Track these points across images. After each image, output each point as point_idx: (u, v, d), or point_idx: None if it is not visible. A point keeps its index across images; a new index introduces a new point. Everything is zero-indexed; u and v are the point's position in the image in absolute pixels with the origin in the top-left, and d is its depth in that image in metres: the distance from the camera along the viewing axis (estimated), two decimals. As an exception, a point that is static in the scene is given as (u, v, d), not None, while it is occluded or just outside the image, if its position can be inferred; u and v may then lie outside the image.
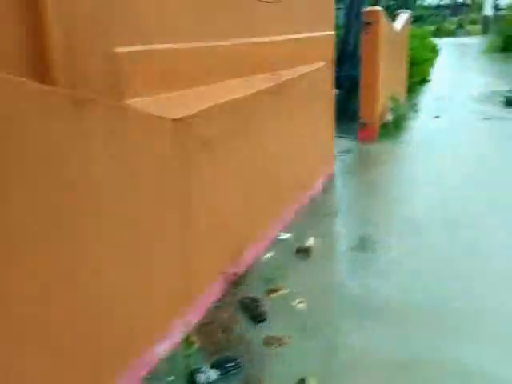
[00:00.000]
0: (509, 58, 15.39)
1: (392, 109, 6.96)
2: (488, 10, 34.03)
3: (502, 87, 9.38)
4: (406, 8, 34.66)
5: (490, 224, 3.51)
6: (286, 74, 3.63)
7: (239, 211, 2.92)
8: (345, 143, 6.25)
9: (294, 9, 3.84)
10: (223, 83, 2.81)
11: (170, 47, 2.31)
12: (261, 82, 3.23)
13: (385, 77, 6.58)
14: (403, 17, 8.54)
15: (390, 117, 6.96)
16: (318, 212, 3.96)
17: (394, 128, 6.74)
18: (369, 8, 6.25)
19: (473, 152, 5.66)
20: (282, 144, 3.64)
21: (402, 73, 8.71)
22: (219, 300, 2.60)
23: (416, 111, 8.15)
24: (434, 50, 17.51)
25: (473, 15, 39.66)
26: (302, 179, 4.13)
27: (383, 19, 6.28)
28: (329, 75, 4.75)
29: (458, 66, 15.18)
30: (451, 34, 30.86)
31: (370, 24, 6.09)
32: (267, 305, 2.61)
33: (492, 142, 6.05)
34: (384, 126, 6.73)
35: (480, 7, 38.52)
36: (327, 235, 3.55)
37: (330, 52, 4.75)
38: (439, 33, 30.73)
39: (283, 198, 3.70)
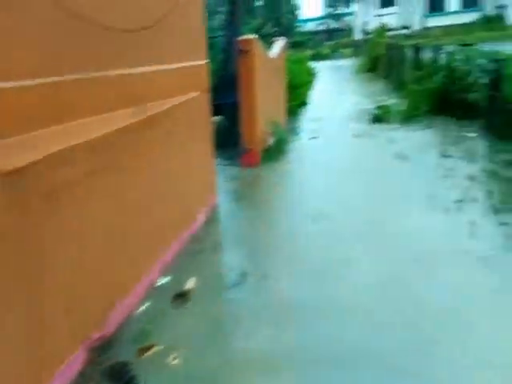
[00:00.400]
0: (375, 77, 17.17)
1: (273, 133, 7.16)
2: (358, 35, 38.03)
3: (370, 105, 10.31)
4: (288, 35, 36.75)
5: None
6: (155, 107, 3.44)
7: (106, 263, 2.61)
8: (229, 170, 6.25)
9: (164, 39, 3.68)
10: (80, 121, 2.53)
11: (14, 86, 1.99)
12: (124, 117, 2.99)
13: (263, 102, 6.76)
14: (279, 44, 8.94)
15: (271, 141, 7.17)
16: (200, 248, 3.79)
17: (275, 151, 6.92)
18: (244, 36, 6.38)
19: (344, 166, 6.09)
20: (157, 179, 3.42)
21: (282, 97, 9.09)
22: (81, 374, 2.26)
23: (296, 133, 8.53)
24: (312, 74, 18.86)
25: (346, 39, 43.97)
26: (181, 214, 3.94)
27: (258, 47, 6.46)
28: (204, 104, 4.68)
29: (333, 87, 16.47)
30: (328, 57, 33.69)
31: (245, 52, 6.21)
32: (139, 367, 2.34)
33: (361, 155, 6.57)
34: (266, 150, 6.88)
35: (352, 32, 42.98)
36: (209, 274, 3.39)
37: (204, 81, 4.68)
38: (317, 56, 33.36)
39: (161, 237, 3.46)
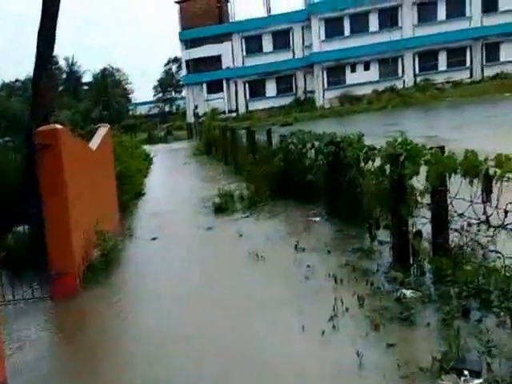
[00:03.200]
0: (212, 160, 17.09)
1: (99, 243, 5.67)
2: (190, 118, 39.46)
3: (211, 191, 9.63)
4: (120, 118, 36.08)
5: None
6: None
7: None
8: (31, 311, 4.48)
9: None
10: None
11: None
12: None
13: (80, 207, 5.31)
14: (102, 131, 7.72)
15: (97, 253, 5.65)
16: None
17: (103, 267, 5.41)
18: (44, 127, 4.97)
19: (190, 277, 4.93)
20: None
21: (110, 193, 7.72)
22: None
23: (131, 235, 7.15)
24: (147, 159, 17.95)
25: (179, 122, 45.18)
26: None
27: (66, 138, 5.11)
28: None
29: (171, 172, 15.78)
30: (162, 140, 33.58)
31: (47, 147, 4.79)
32: None
33: (210, 258, 5.55)
34: (91, 267, 5.33)
35: (184, 115, 44.50)
36: None
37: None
38: (151, 140, 32.99)
39: None
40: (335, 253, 5.03)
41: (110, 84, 51.44)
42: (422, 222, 4.30)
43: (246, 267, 5.01)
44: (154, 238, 6.88)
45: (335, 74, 38.33)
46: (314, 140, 7.14)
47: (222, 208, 7.96)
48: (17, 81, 55.25)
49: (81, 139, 6.03)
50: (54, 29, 7.02)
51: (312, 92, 38.88)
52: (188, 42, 41.01)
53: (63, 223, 4.88)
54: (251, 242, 5.87)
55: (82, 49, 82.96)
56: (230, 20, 43.26)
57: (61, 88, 55.44)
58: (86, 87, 57.80)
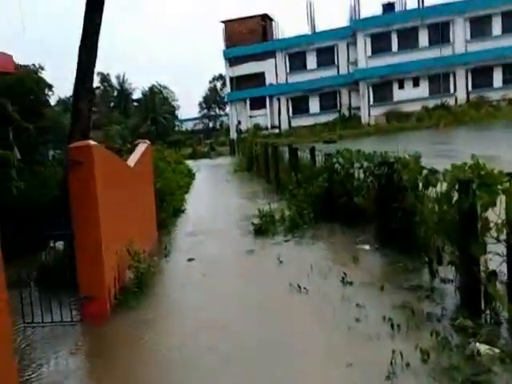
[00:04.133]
0: (253, 177, 16.73)
1: (133, 265, 5.35)
2: (233, 134, 39.67)
3: (251, 210, 9.22)
4: (166, 133, 36.82)
5: None
6: None
7: None
8: (59, 335, 4.19)
9: None
10: None
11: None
12: None
13: (113, 227, 5.03)
14: (141, 147, 7.53)
15: (131, 275, 5.34)
16: None
17: (136, 291, 5.08)
18: (77, 143, 4.76)
19: (231, 308, 4.44)
20: None
21: (148, 211, 7.47)
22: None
23: (167, 255, 6.83)
24: (189, 175, 17.90)
25: (222, 138, 45.61)
26: None
27: (100, 155, 4.87)
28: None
29: (212, 189, 15.55)
30: (205, 155, 33.84)
31: (80, 164, 4.56)
32: None
33: (249, 287, 5.05)
34: (123, 290, 5.02)
35: (228, 131, 44.87)
36: None
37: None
38: (195, 155, 33.36)
39: None
40: (389, 290, 4.40)
41: (157, 101, 52.92)
42: (495, 260, 3.62)
43: (287, 304, 4.47)
44: (190, 259, 6.52)
45: (382, 91, 37.31)
46: (363, 160, 6.56)
47: (262, 230, 7.50)
48: (72, 96, 58.00)
49: (117, 156, 5.81)
50: (96, 42, 6.94)
51: (357, 109, 38.01)
52: (232, 60, 41.55)
53: (93, 243, 4.60)
54: (292, 270, 5.35)
55: (133, 67, 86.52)
56: (275, 37, 43.49)
57: (112, 104, 57.78)
58: (135, 104, 59.80)
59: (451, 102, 35.54)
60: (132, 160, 6.65)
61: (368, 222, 6.62)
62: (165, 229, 8.68)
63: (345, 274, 4.78)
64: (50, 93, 16.39)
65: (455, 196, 3.85)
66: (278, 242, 6.83)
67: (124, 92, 60.49)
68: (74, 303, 4.78)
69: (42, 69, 15.39)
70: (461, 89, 36.01)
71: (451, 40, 36.14)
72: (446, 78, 36.14)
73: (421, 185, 4.61)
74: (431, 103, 35.45)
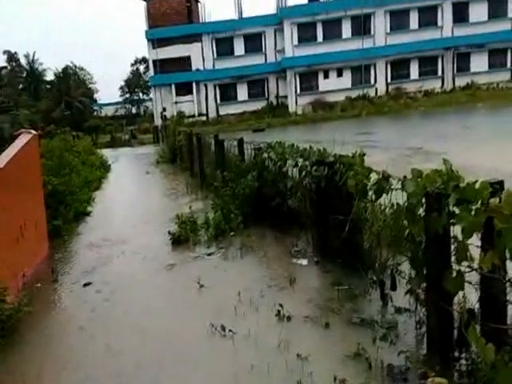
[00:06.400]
0: (177, 170, 15.28)
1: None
2: (157, 121, 37.36)
3: (171, 211, 7.99)
4: (82, 119, 33.66)
5: None
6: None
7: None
8: None
9: None
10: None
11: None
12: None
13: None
14: (21, 141, 5.89)
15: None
16: None
17: (0, 344, 3.68)
18: None
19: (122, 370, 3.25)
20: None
21: (31, 222, 5.87)
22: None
23: (55, 280, 5.39)
24: (101, 167, 15.99)
25: (146, 125, 42.89)
26: None
27: None
28: None
29: (128, 184, 13.90)
30: (126, 144, 31.32)
31: None
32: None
33: (154, 325, 3.88)
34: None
35: (152, 117, 42.23)
36: None
37: None
38: (114, 143, 30.70)
39: None
40: (336, 327, 3.49)
41: (72, 83, 48.52)
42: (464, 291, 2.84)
43: (206, 357, 3.36)
44: (86, 284, 5.17)
45: (308, 80, 37.33)
46: (298, 156, 5.63)
47: (182, 239, 6.32)
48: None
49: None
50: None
51: (285, 97, 37.68)
52: (155, 42, 39.00)
53: None
54: (215, 299, 4.26)
55: (45, 46, 78.90)
56: (201, 21, 41.60)
57: (21, 86, 52.16)
58: (47, 86, 54.53)
59: (372, 93, 36.53)
60: (2, 159, 5.07)
61: (303, 227, 5.74)
62: (60, 239, 7.14)
63: (281, 305, 3.79)
64: None
65: (419, 211, 3.01)
66: (199, 256, 5.70)
67: (34, 73, 54.91)
68: None
69: None
70: (381, 80, 37.14)
71: (372, 32, 36.98)
72: (367, 70, 37.02)
73: (370, 193, 3.75)
74: (354, 94, 36.17)
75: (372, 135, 18.60)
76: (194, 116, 37.44)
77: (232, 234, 6.34)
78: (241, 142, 8.62)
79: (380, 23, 36.99)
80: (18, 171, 5.34)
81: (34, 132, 6.42)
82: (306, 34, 37.21)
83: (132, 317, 4.20)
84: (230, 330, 3.55)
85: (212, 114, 38.99)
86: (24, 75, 55.12)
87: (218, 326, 3.62)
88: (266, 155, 6.71)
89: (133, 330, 3.93)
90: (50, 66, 64.58)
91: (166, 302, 4.45)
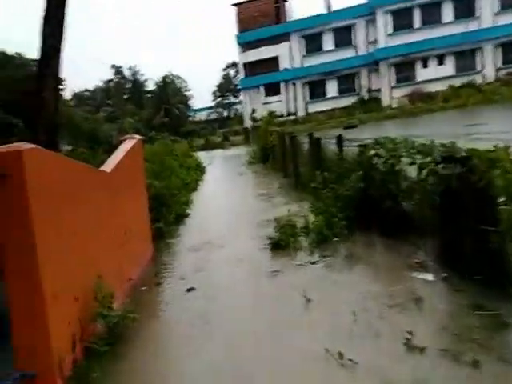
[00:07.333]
0: (269, 170, 15.02)
1: (100, 314, 3.84)
2: (247, 122, 37.90)
3: (268, 214, 7.67)
4: (179, 124, 35.42)
5: None
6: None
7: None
8: None
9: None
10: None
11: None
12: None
13: (70, 264, 3.52)
14: (126, 146, 5.96)
15: (100, 326, 3.84)
16: None
17: (105, 352, 3.57)
18: (3, 147, 3.18)
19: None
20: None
21: (137, 225, 5.91)
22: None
23: (160, 283, 5.31)
24: (198, 170, 16.35)
25: (237, 127, 43.85)
26: None
27: (38, 163, 3.31)
28: None
29: (223, 185, 13.94)
30: (219, 146, 32.16)
31: (4, 177, 3.03)
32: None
33: (266, 340, 3.46)
34: (88, 352, 3.53)
35: (241, 120, 43.08)
36: None
37: None
38: (208, 145, 31.75)
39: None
40: (488, 367, 2.76)
41: (170, 91, 51.48)
42: None
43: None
44: (189, 289, 4.99)
45: (404, 71, 34.91)
46: (416, 153, 4.86)
47: (281, 245, 5.91)
48: (86, 90, 57.54)
49: (75, 161, 4.27)
50: (62, 15, 5.39)
51: (377, 91, 35.72)
52: (245, 45, 39.61)
53: (30, 292, 3.10)
54: (326, 318, 3.73)
55: (145, 58, 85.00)
56: (288, 20, 41.30)
57: (125, 97, 56.80)
58: (148, 95, 58.56)
59: (478, 80, 32.96)
60: (109, 164, 5.10)
61: (421, 235, 4.95)
62: (162, 241, 7.17)
63: (409, 332, 3.14)
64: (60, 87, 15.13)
65: None
66: (302, 264, 5.21)
67: (137, 83, 59.28)
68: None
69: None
70: (488, 65, 33.35)
71: (477, 13, 33.38)
72: (472, 55, 33.51)
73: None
74: (458, 82, 32.93)
75: (484, 127, 16.53)
76: (282, 116, 37.25)
77: (336, 240, 5.76)
78: (339, 138, 7.98)
79: (486, 2, 33.25)
80: (123, 175, 5.35)
81: (138, 137, 6.48)
82: (401, 22, 34.87)
83: (236, 332, 3.85)
84: (349, 360, 3.00)
85: (301, 113, 38.44)
86: (128, 86, 59.72)
87: (335, 353, 3.09)
88: (372, 152, 6.00)
89: (236, 348, 3.57)
90: (151, 76, 69.17)
91: (272, 316, 4.02)
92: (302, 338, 3.48)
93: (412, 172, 4.98)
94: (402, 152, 5.29)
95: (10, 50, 15.06)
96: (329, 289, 4.38)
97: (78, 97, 56.31)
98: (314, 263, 5.17)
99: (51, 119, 5.31)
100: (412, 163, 4.90)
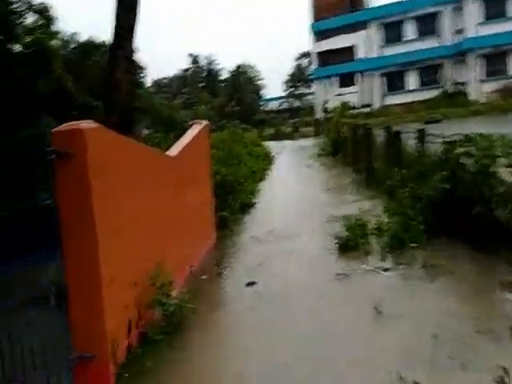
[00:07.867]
0: (339, 163, 14.38)
1: (158, 301, 3.71)
2: (319, 113, 37.00)
3: (335, 209, 7.22)
4: (251, 113, 35.73)
5: None
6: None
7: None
8: None
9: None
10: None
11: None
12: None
13: (130, 248, 3.41)
14: (192, 131, 5.83)
15: (157, 313, 3.72)
16: None
17: (160, 340, 3.44)
18: (64, 126, 3.08)
19: None
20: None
21: (201, 212, 5.79)
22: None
23: (220, 274, 5.12)
24: (266, 159, 16.11)
25: (308, 118, 43.10)
26: None
27: (101, 143, 3.20)
28: None
29: (290, 176, 13.55)
30: (289, 136, 31.73)
31: (67, 157, 2.93)
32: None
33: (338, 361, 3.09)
34: (143, 338, 3.42)
35: (313, 111, 42.24)
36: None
37: None
38: (277, 135, 31.46)
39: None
40: None
41: (242, 81, 51.99)
42: None
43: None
44: (250, 283, 4.76)
45: (495, 63, 31.85)
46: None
47: (350, 245, 5.45)
48: (164, 78, 59.93)
49: (141, 144, 4.14)
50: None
51: (463, 84, 32.99)
52: (320, 34, 38.51)
53: (88, 274, 3.01)
54: (400, 338, 3.25)
55: (219, 47, 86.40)
56: (365, 7, 39.41)
57: (201, 85, 58.36)
58: (222, 84, 59.58)
59: None
60: (175, 148, 4.96)
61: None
62: (226, 230, 7.01)
63: (504, 369, 2.60)
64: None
65: None
66: (372, 269, 4.73)
67: (212, 72, 60.52)
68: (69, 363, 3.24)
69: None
70: None
71: None
72: None
73: None
74: (561, 76, 29.40)
75: None
76: (356, 108, 35.82)
77: (413, 245, 5.18)
78: (421, 132, 7.25)
79: None
80: (188, 160, 5.22)
81: (204, 122, 6.33)
82: (493, 9, 31.75)
83: (296, 337, 3.52)
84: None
85: (376, 105, 36.71)
86: (203, 75, 61.20)
87: (409, 382, 2.64)
88: (461, 149, 5.29)
89: (294, 356, 3.24)
90: (225, 65, 70.29)
91: (335, 327, 3.63)
92: (369, 357, 3.05)
93: (509, 175, 4.27)
94: (498, 151, 4.56)
95: (99, 38, 15.85)
96: (404, 302, 3.88)
97: (156, 84, 58.93)
98: (386, 270, 4.66)
99: (124, 101, 5.30)
100: (510, 165, 4.19)
